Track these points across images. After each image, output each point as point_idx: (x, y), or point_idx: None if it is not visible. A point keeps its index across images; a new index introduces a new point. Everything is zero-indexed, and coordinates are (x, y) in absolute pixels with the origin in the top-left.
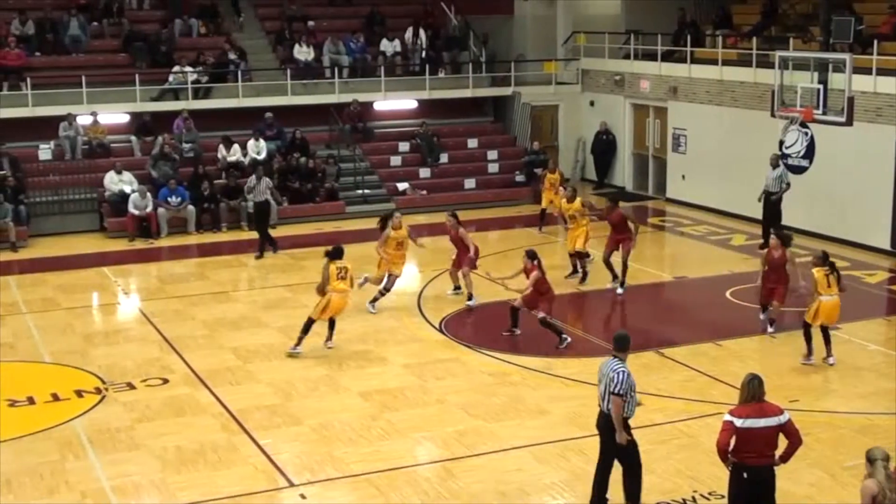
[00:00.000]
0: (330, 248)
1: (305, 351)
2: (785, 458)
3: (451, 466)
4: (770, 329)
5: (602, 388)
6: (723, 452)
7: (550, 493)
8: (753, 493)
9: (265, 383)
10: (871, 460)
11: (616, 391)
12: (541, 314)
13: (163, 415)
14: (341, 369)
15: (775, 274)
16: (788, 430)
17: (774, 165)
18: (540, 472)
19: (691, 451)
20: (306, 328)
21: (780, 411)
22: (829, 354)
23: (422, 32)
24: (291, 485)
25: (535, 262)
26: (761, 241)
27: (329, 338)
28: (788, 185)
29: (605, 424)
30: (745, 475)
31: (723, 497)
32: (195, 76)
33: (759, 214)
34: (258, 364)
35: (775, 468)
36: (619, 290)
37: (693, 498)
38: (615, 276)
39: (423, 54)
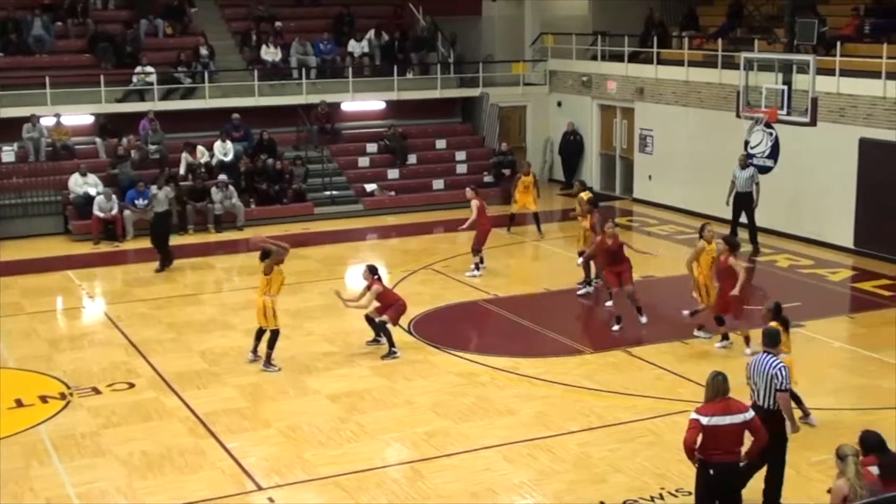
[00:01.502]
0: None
1: (275, 353)
2: (751, 454)
3: (420, 467)
4: (697, 332)
5: (762, 385)
6: (690, 450)
7: (519, 492)
8: (720, 490)
9: (232, 386)
10: (841, 457)
11: (783, 387)
12: (384, 317)
13: (129, 420)
14: (309, 372)
15: (722, 282)
16: (754, 426)
17: (744, 166)
18: (509, 471)
19: (659, 448)
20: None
21: (746, 409)
22: (806, 413)
23: (384, 35)
24: (259, 488)
25: (376, 277)
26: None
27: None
28: (758, 184)
29: (763, 417)
30: (711, 472)
31: (690, 494)
32: (175, 76)
33: (726, 213)
34: (226, 367)
35: (741, 465)
36: (581, 291)
37: (660, 495)
38: (588, 282)
39: (382, 57)
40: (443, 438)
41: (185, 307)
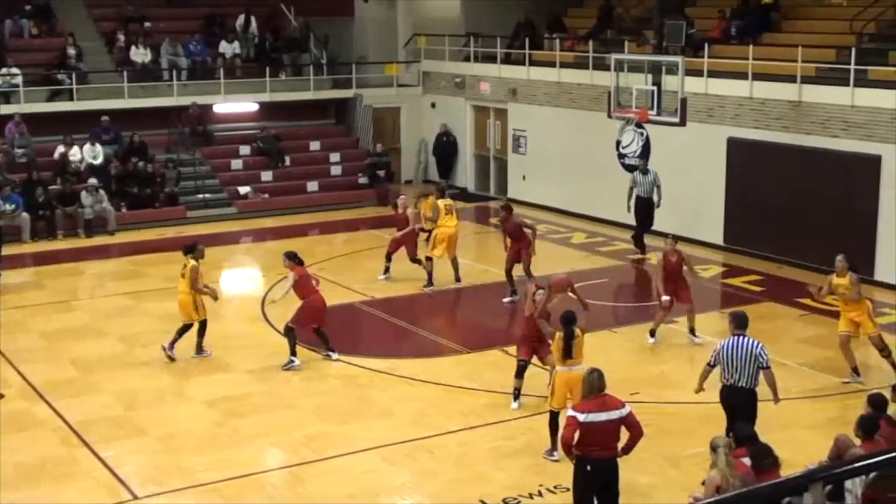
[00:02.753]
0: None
1: (148, 359)
2: (627, 449)
3: (299, 471)
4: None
5: (743, 365)
6: (567, 447)
7: (400, 493)
8: (597, 485)
9: (107, 394)
10: (713, 448)
11: (767, 365)
12: (290, 323)
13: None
14: (186, 377)
15: (673, 282)
16: (630, 422)
17: (644, 171)
18: (389, 473)
19: (538, 446)
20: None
21: (622, 404)
22: (553, 448)
23: (253, 21)
24: (135, 497)
25: (294, 262)
26: (635, 248)
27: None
28: (660, 186)
29: (744, 398)
30: (588, 468)
31: (568, 490)
32: (58, 76)
33: (599, 212)
34: (100, 375)
35: (618, 460)
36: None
37: (539, 492)
38: (513, 291)
39: (254, 58)
40: (322, 442)
41: (56, 314)
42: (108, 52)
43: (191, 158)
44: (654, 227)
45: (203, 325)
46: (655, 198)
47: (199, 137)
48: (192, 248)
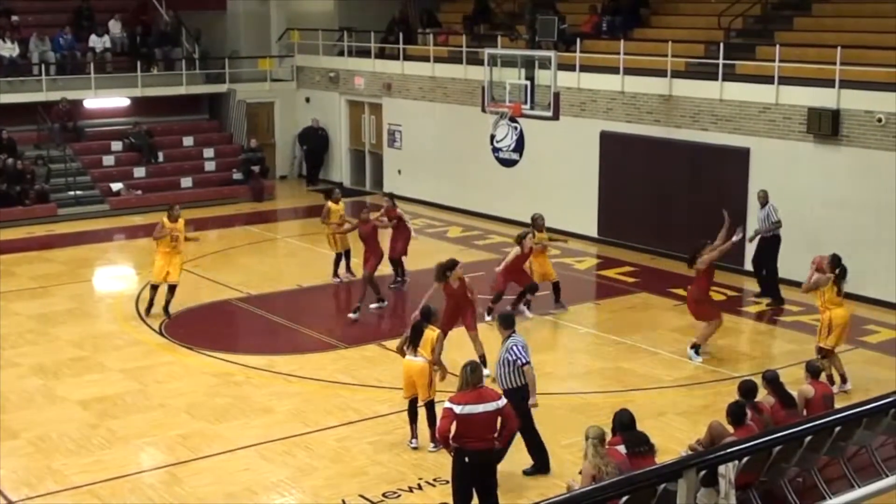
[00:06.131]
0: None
1: (18, 361)
2: (504, 441)
3: (176, 471)
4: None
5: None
6: (444, 439)
7: (278, 490)
8: (476, 476)
9: None
10: (586, 439)
11: (525, 361)
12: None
13: None
14: (58, 378)
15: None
16: (506, 413)
17: (764, 203)
18: (267, 470)
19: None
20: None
21: (498, 396)
22: (411, 434)
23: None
24: (9, 502)
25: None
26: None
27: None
28: (778, 222)
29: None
30: (466, 459)
31: (447, 482)
32: None
33: (471, 206)
34: None
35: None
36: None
37: (419, 485)
38: (401, 279)
39: (124, 52)
40: (199, 440)
41: None
42: None
43: (61, 155)
44: (513, 217)
45: (341, 256)
46: (772, 233)
47: (70, 133)
48: (329, 191)
